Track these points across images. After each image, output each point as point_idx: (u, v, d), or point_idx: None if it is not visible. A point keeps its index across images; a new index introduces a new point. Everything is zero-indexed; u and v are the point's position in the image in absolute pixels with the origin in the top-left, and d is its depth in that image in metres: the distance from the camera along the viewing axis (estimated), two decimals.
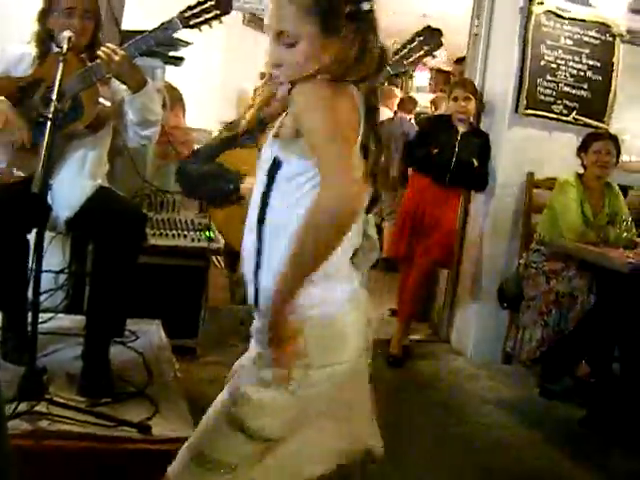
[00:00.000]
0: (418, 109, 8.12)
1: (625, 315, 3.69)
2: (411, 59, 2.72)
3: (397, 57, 2.71)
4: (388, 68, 2.72)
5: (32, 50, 3.03)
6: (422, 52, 2.71)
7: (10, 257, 2.86)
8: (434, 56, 2.93)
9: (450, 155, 4.47)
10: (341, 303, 1.65)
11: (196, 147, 4.04)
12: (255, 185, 1.67)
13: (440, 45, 2.74)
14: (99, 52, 2.80)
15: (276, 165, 1.58)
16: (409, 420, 3.53)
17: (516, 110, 4.57)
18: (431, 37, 2.71)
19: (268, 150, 1.63)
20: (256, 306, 1.68)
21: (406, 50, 2.70)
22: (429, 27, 2.72)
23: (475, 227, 4.83)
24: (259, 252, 1.63)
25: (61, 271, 3.69)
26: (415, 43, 2.71)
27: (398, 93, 8.08)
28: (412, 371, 4.36)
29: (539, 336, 3.87)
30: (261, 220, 1.61)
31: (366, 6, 1.55)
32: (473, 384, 4.22)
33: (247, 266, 1.68)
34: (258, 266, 1.64)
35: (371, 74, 1.59)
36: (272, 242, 1.61)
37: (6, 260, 2.87)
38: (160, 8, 3.08)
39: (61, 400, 2.54)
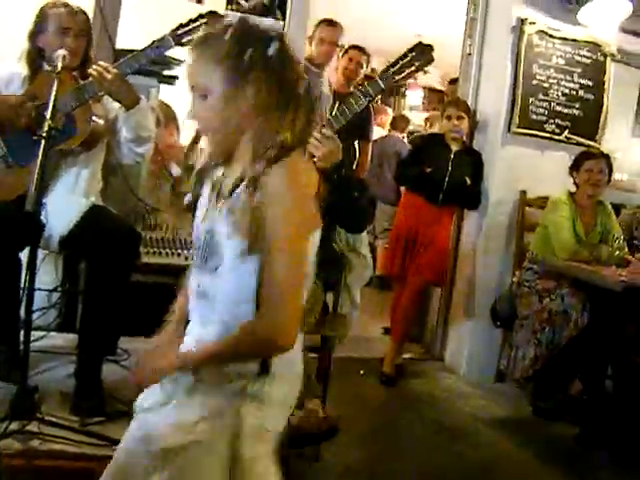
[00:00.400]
0: (411, 127, 8.15)
1: (618, 333, 3.70)
2: (403, 74, 2.73)
3: (389, 72, 2.73)
4: (379, 82, 2.74)
5: (22, 69, 3.04)
6: (413, 67, 2.72)
7: (3, 275, 2.86)
8: (425, 72, 2.95)
9: (443, 174, 4.47)
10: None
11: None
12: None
13: (431, 61, 2.75)
14: (91, 70, 2.81)
15: None
16: (402, 438, 3.52)
17: (509, 129, 4.59)
18: (422, 53, 2.72)
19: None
20: None
21: (398, 65, 2.72)
22: (420, 43, 2.74)
23: (468, 245, 4.84)
24: None
25: (54, 289, 3.67)
26: (407, 59, 2.72)
27: (390, 112, 8.12)
28: (405, 389, 4.35)
29: (532, 355, 3.86)
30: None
31: (272, 50, 1.51)
32: (466, 402, 4.21)
33: None
34: None
35: (302, 121, 1.56)
36: None
37: None
38: (156, 26, 3.10)
39: (53, 419, 2.54)
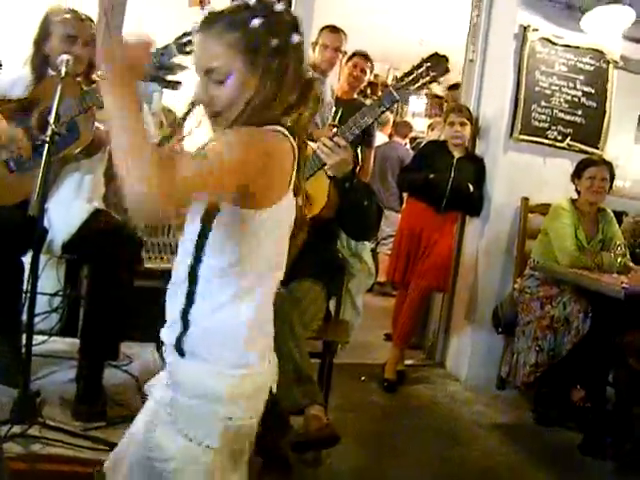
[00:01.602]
0: (413, 134, 8.14)
1: (619, 340, 3.69)
2: (417, 85, 2.73)
3: (404, 82, 2.72)
4: (394, 93, 2.73)
5: (27, 73, 3.04)
6: (428, 78, 2.71)
7: (5, 279, 2.87)
8: (439, 82, 2.93)
9: (446, 180, 4.47)
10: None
11: None
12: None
13: (446, 71, 2.74)
14: (96, 77, 2.82)
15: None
16: (403, 444, 3.52)
17: (511, 136, 4.59)
18: (437, 64, 2.71)
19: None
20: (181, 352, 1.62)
21: (412, 75, 2.71)
22: (436, 54, 2.73)
23: (470, 252, 4.84)
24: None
25: (56, 294, 3.68)
26: (422, 69, 2.71)
27: (390, 117, 8.10)
28: (406, 396, 4.35)
29: (533, 361, 3.86)
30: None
31: (295, 39, 1.53)
32: (468, 409, 4.20)
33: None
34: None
35: (294, 105, 1.56)
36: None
37: (1, 282, 2.87)
38: (158, 33, 3.10)
39: (54, 423, 2.54)
